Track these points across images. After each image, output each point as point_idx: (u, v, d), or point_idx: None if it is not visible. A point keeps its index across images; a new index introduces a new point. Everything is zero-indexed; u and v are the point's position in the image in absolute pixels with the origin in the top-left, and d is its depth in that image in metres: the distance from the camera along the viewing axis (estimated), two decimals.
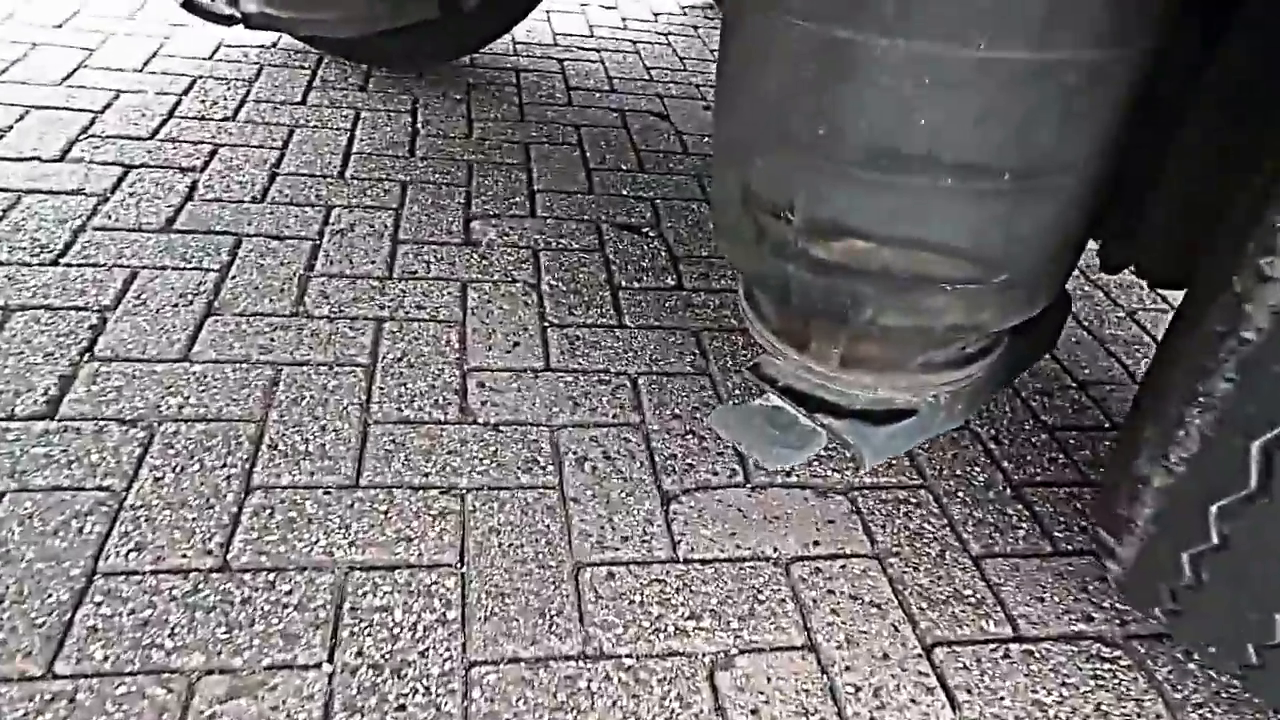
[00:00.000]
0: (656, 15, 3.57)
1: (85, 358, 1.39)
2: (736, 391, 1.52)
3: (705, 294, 1.78)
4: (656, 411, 1.45)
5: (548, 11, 3.39)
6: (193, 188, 1.88)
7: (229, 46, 2.63)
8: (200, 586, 1.06)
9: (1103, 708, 1.07)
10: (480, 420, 1.38)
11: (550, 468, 1.31)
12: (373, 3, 1.97)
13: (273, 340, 1.48)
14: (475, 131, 2.34)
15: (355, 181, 2.00)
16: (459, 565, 1.14)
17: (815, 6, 0.76)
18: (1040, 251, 0.85)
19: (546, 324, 1.62)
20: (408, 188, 2.01)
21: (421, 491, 1.24)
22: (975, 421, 1.53)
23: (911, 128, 0.76)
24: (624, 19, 3.47)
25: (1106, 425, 1.58)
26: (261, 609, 1.05)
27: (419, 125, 2.32)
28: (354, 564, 1.12)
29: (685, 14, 3.64)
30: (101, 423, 1.27)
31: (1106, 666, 1.13)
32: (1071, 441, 1.52)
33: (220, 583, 1.07)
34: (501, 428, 1.37)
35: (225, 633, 1.02)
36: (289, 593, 1.08)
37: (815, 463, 1.37)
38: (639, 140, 2.44)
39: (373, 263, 1.72)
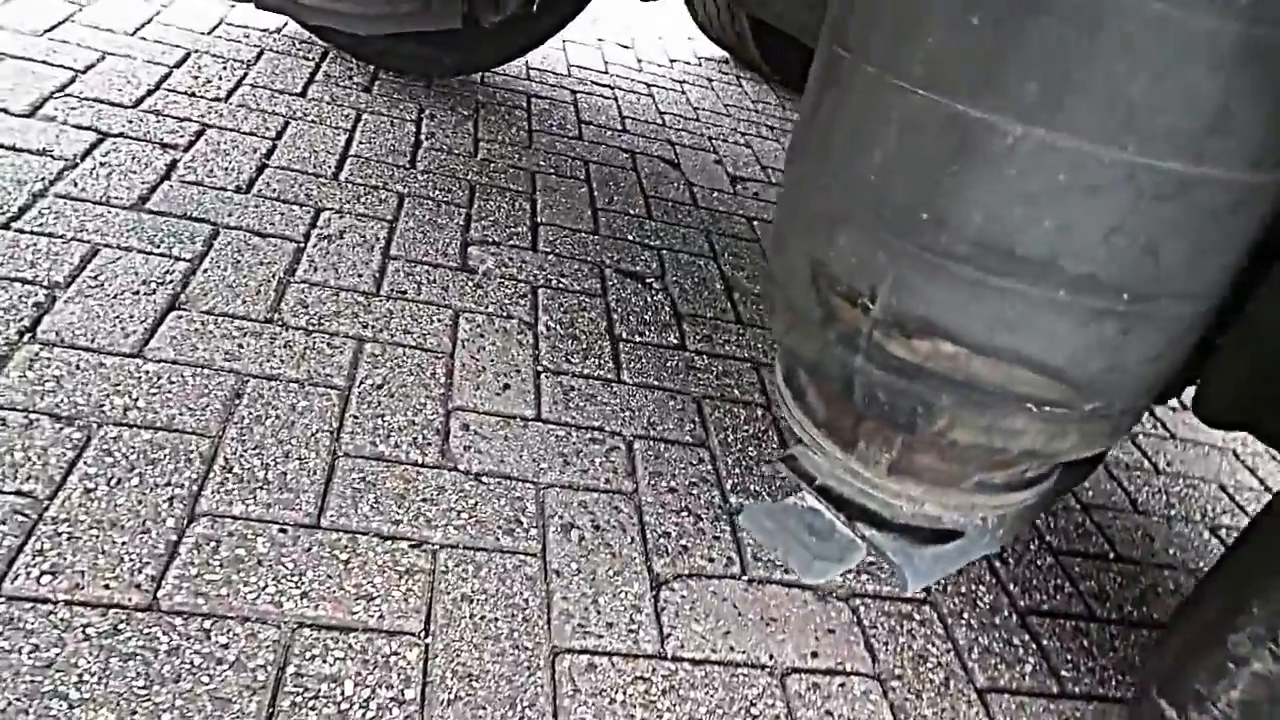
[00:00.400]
0: (673, 62, 3.52)
1: (24, 338, 1.23)
2: (737, 469, 1.42)
3: (709, 358, 1.68)
4: (651, 481, 1.34)
5: (564, 42, 3.32)
6: (172, 166, 1.74)
7: (230, 25, 2.49)
8: (121, 627, 0.91)
9: None
10: (461, 467, 1.25)
11: (534, 531, 1.19)
12: (395, 1, 1.86)
13: (240, 346, 1.33)
14: (481, 152, 2.23)
15: (350, 185, 1.87)
16: (423, 635, 1.01)
17: (942, 77, 0.67)
18: (1139, 382, 0.77)
19: (541, 368, 1.51)
20: (405, 200, 1.89)
21: (389, 542, 1.10)
22: None
23: (1033, 228, 0.68)
24: (640, 60, 3.41)
25: (1110, 554, 1.51)
26: (190, 662, 0.90)
27: (423, 136, 2.21)
28: (304, 619, 0.98)
29: (701, 64, 3.60)
30: (33, 416, 1.11)
31: None
32: (1076, 569, 1.45)
33: (145, 624, 0.92)
34: (484, 478, 1.24)
35: (144, 687, 0.87)
36: (225, 646, 0.93)
37: None
38: (648, 185, 2.35)
39: (359, 276, 1.59)
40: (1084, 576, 1.44)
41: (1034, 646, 1.26)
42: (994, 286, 0.71)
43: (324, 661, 0.94)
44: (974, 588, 1.34)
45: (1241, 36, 0.59)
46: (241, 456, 1.15)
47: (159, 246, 1.49)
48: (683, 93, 3.21)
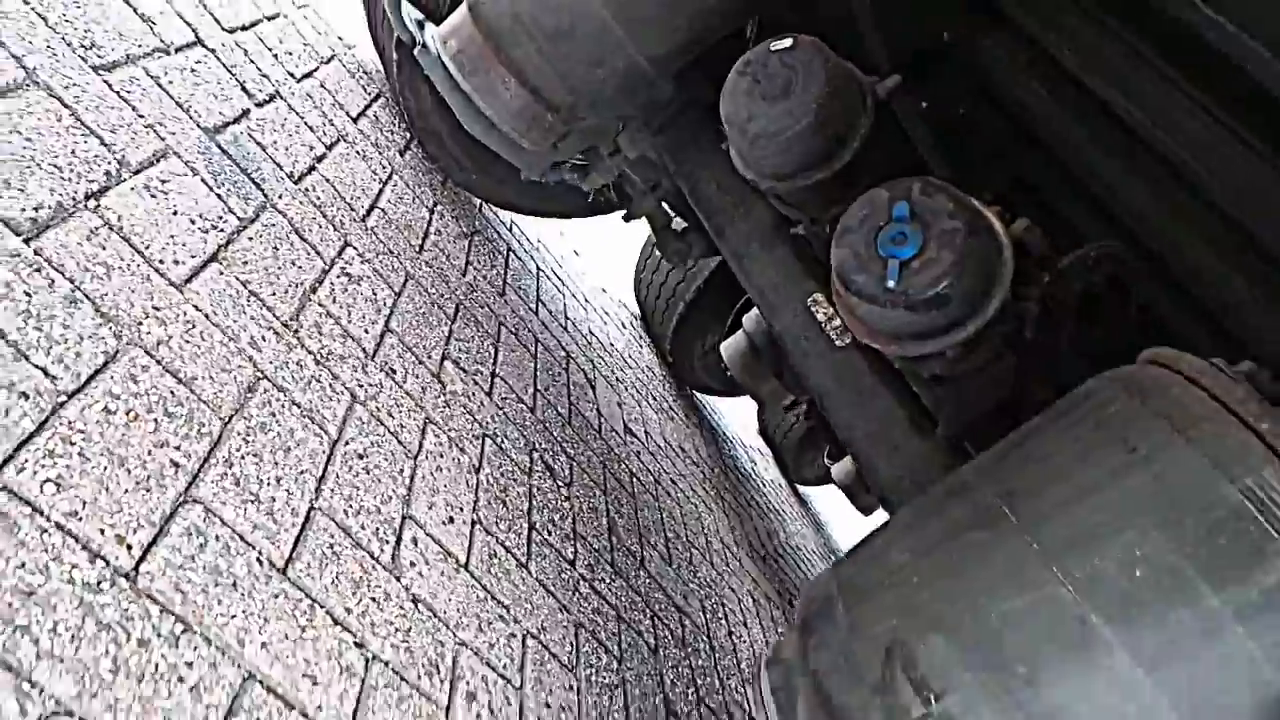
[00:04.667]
0: (620, 303, 3.81)
1: (89, 202, 1.10)
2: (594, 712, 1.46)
3: (589, 587, 1.74)
4: (534, 687, 1.35)
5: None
6: (245, 114, 1.66)
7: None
8: (104, 586, 0.80)
9: None
10: (404, 581, 1.21)
11: (444, 686, 1.16)
12: (527, 123, 1.96)
13: (263, 339, 1.26)
14: (469, 274, 2.29)
15: (373, 233, 1.86)
16: None
17: (1092, 588, 0.89)
18: None
19: (476, 518, 1.51)
20: (408, 281, 1.89)
21: (339, 629, 1.04)
22: None
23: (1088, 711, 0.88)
24: (583, 276, 3.67)
25: None
26: (156, 665, 0.80)
27: (432, 229, 2.24)
28: (258, 672, 0.89)
29: (635, 322, 3.91)
30: (79, 294, 0.99)
31: None
32: None
33: (126, 597, 0.81)
34: (420, 605, 1.21)
35: (110, 671, 0.75)
36: (189, 665, 0.83)
37: None
38: (573, 393, 2.48)
39: (365, 332, 1.55)
40: None
41: None
42: None
43: None
44: None
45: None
46: (243, 458, 1.06)
47: (219, 187, 1.40)
48: (604, 324, 3.45)
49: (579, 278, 3.56)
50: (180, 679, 0.81)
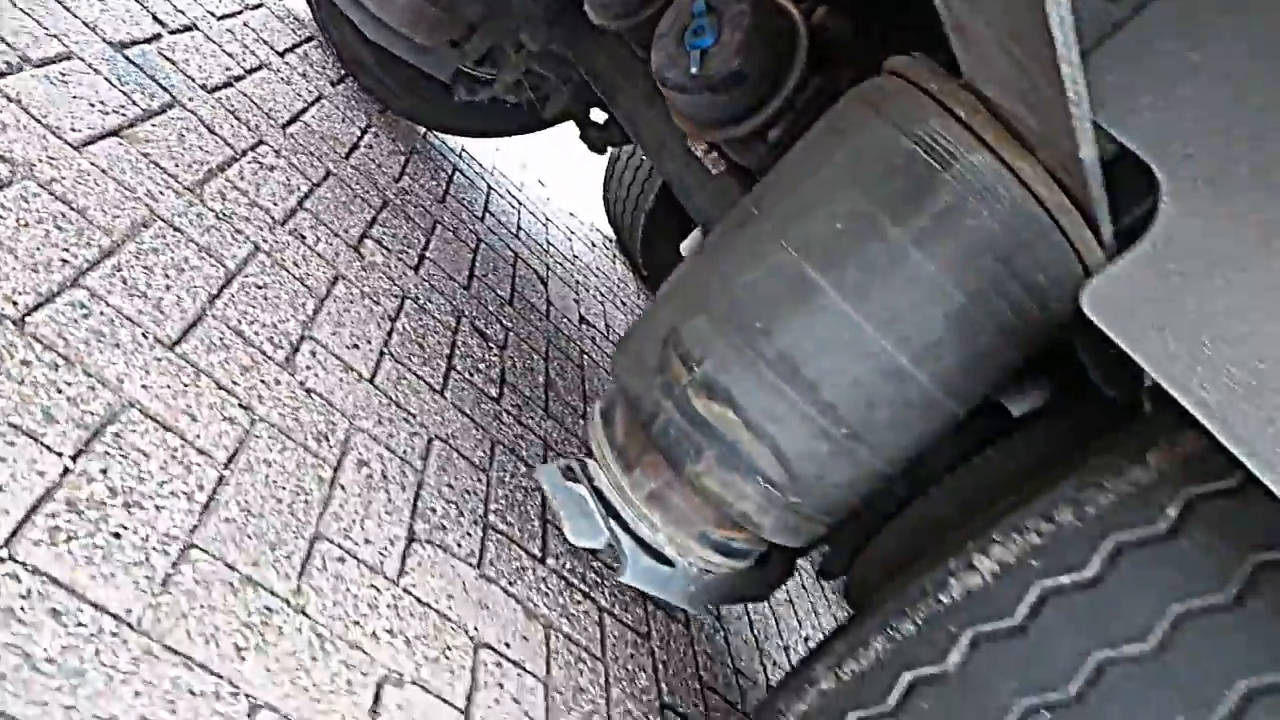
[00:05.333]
0: (571, 214, 3.98)
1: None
2: (502, 496, 1.65)
3: (514, 419, 1.94)
4: (436, 473, 1.55)
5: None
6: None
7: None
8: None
9: None
10: (298, 377, 1.42)
11: (334, 451, 1.36)
12: (417, 20, 2.14)
13: (162, 194, 1.47)
14: (403, 181, 2.49)
15: (293, 138, 2.07)
16: None
17: (809, 248, 1.06)
18: (825, 499, 1.13)
19: (385, 352, 1.71)
20: (330, 176, 2.10)
21: (224, 393, 1.25)
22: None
23: (816, 361, 1.04)
24: (548, 199, 3.85)
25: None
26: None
27: (363, 142, 2.45)
28: (135, 401, 1.10)
29: (593, 232, 4.09)
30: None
31: None
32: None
33: (9, 334, 1.02)
34: (313, 394, 1.41)
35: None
36: (69, 385, 1.04)
37: None
38: (518, 285, 2.67)
39: (275, 204, 1.76)
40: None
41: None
42: (780, 389, 1.06)
43: None
44: (634, 670, 1.60)
45: (959, 303, 1.01)
46: (133, 268, 1.28)
47: (123, 85, 1.62)
48: (568, 240, 3.64)
49: (541, 202, 3.75)
50: (59, 390, 1.02)
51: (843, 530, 1.25)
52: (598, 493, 1.20)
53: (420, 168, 2.72)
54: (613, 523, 1.17)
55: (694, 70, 1.43)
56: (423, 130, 3.03)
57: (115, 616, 0.90)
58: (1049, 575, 0.88)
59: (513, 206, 3.29)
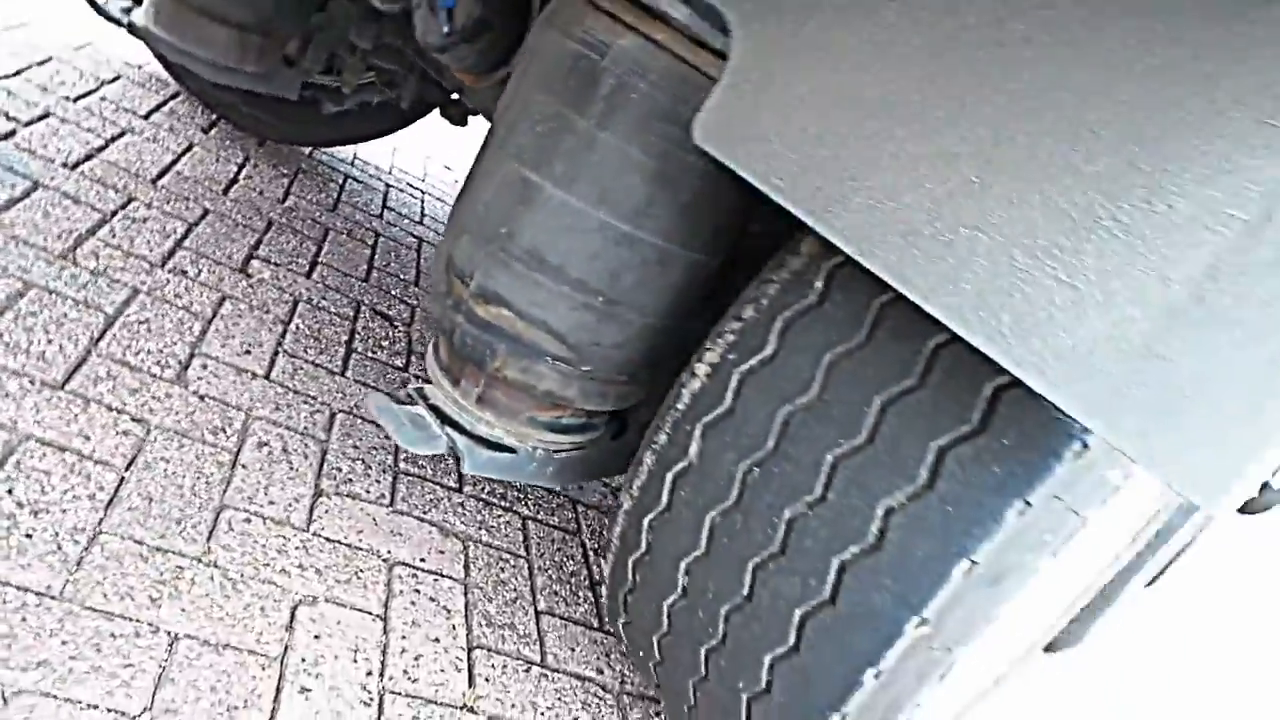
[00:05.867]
0: None
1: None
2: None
3: (385, 367, 2.14)
4: (340, 442, 1.76)
5: (394, 147, 3.89)
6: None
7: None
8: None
9: None
10: (191, 388, 1.63)
11: (233, 440, 1.57)
12: (242, 52, 2.31)
13: (33, 266, 1.67)
14: (289, 201, 2.68)
15: (164, 189, 2.26)
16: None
17: (524, 156, 1.24)
18: (610, 360, 1.32)
19: (280, 350, 1.92)
20: (207, 214, 2.29)
21: (114, 414, 1.46)
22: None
23: (555, 247, 1.23)
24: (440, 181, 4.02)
25: None
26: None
27: (242, 174, 2.64)
28: (31, 434, 1.32)
29: None
30: None
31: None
32: None
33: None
34: (207, 400, 1.63)
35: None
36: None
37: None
38: (424, 267, 2.86)
39: (150, 251, 1.96)
40: None
41: (589, 595, 1.75)
42: (535, 279, 1.25)
43: None
44: (562, 560, 1.82)
45: (652, 165, 1.19)
46: (9, 330, 1.49)
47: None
48: None
49: (449, 185, 3.92)
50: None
51: (656, 384, 1.45)
52: (435, 410, 1.40)
53: (307, 185, 2.90)
54: (447, 428, 1.37)
55: (446, 29, 1.60)
56: (308, 150, 3.21)
57: (38, 593, 1.12)
58: (742, 362, 1.07)
59: (414, 198, 3.47)
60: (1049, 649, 1.39)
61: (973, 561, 0.89)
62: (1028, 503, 0.88)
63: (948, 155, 0.79)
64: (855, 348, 0.99)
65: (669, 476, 1.14)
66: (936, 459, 0.92)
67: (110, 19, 2.31)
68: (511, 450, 1.41)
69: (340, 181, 3.13)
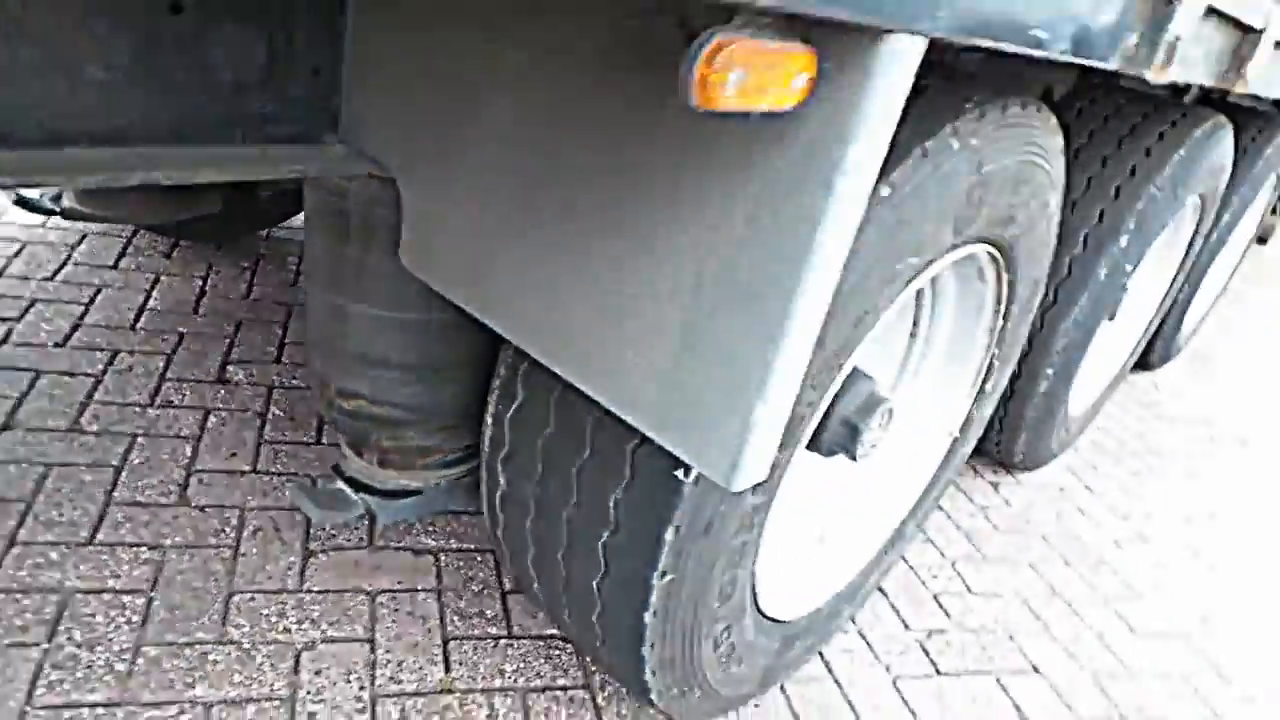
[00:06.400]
0: None
1: None
2: None
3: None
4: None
5: None
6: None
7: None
8: None
9: None
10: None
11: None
12: (157, 205, 2.68)
13: (46, 438, 2.12)
14: (254, 293, 3.07)
15: (142, 331, 2.68)
16: None
17: (324, 283, 1.55)
18: (451, 409, 1.65)
19: (261, 441, 2.33)
20: (183, 339, 2.70)
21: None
22: None
23: (374, 346, 1.56)
24: None
25: None
26: None
27: (208, 284, 3.03)
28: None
29: None
30: None
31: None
32: None
33: None
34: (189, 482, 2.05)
35: None
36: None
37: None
38: None
39: (139, 394, 2.39)
40: None
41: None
42: (372, 374, 1.58)
43: None
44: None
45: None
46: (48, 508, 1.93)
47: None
48: None
49: None
50: None
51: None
52: (352, 480, 1.77)
53: (268, 270, 3.28)
54: (362, 494, 1.74)
55: None
56: (265, 233, 3.59)
57: (104, 705, 1.57)
58: (507, 410, 1.40)
59: None
60: None
61: None
62: None
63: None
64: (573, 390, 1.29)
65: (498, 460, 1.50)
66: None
67: (44, 211, 2.70)
68: (419, 492, 1.77)
69: (298, 253, 3.50)
